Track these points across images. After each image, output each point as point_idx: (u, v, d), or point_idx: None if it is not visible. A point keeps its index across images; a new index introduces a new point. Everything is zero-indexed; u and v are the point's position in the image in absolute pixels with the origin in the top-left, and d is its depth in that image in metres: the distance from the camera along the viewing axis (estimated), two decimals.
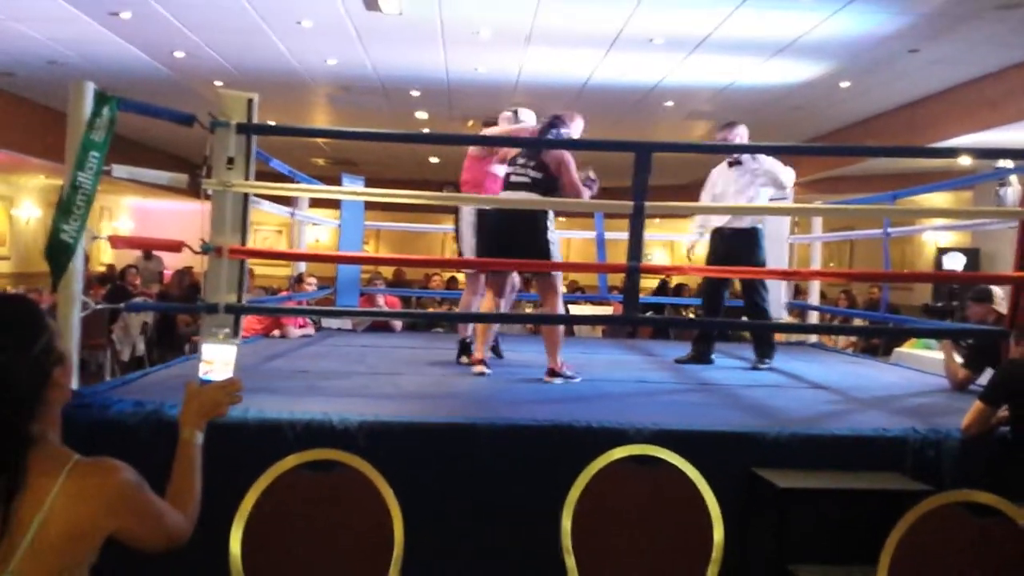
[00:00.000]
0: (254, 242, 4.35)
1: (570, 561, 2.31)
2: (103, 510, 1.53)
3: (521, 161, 4.82)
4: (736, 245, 5.41)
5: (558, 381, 4.59)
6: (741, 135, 5.55)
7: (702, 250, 5.85)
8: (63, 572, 1.50)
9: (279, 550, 2.19)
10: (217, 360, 1.85)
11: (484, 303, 5.16)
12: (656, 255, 19.27)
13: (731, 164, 5.54)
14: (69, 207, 3.50)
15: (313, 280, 7.19)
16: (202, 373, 1.85)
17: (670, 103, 10.59)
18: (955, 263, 10.08)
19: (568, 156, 4.76)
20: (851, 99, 9.93)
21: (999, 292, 4.73)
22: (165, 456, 1.85)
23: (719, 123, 5.85)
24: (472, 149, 5.44)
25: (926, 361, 5.69)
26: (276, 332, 6.43)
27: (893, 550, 2.20)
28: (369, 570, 2.17)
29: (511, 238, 4.66)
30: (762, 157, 5.48)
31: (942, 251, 11.57)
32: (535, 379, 4.71)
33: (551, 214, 4.81)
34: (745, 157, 5.46)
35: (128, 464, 1.62)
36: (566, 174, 4.71)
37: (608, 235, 7.48)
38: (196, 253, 4.08)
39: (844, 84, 9.29)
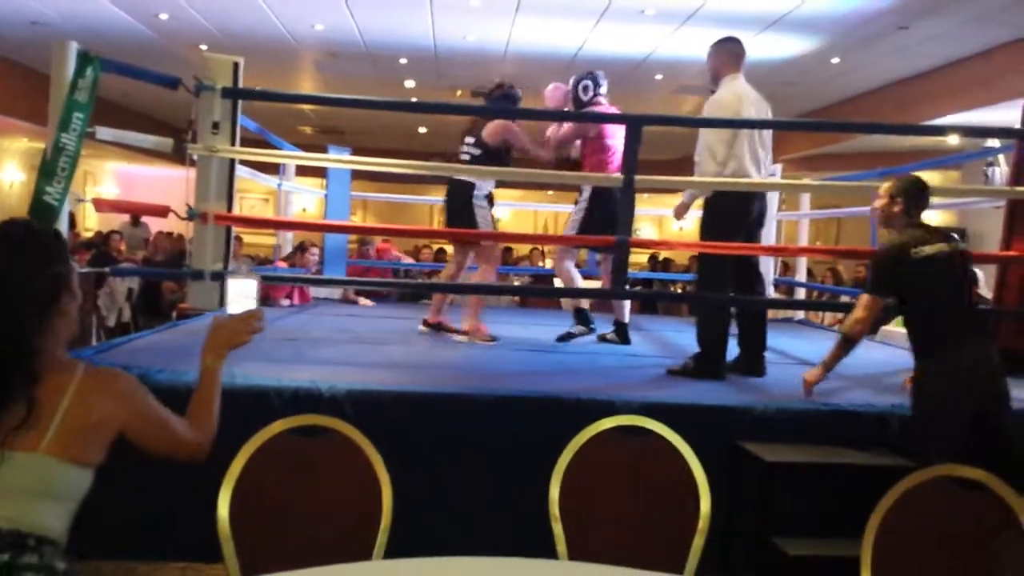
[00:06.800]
0: (240, 210, 4.31)
1: (557, 529, 2.31)
2: (114, 403, 1.73)
3: (469, 140, 4.90)
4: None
5: (464, 340, 4.91)
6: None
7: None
8: (81, 460, 1.67)
9: (267, 514, 2.19)
10: (238, 293, 1.98)
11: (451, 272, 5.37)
12: (644, 230, 19.25)
13: None
14: (53, 169, 3.45)
15: (316, 250, 6.96)
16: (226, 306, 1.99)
17: (660, 76, 10.53)
18: None
19: (509, 124, 4.79)
20: (841, 76, 9.91)
21: (981, 276, 4.75)
22: None
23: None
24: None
25: None
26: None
27: (878, 524, 2.21)
28: (357, 536, 2.16)
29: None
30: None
31: None
32: (523, 350, 4.71)
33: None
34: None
35: None
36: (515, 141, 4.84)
37: None
38: (181, 219, 4.05)
39: (834, 60, 9.26)
